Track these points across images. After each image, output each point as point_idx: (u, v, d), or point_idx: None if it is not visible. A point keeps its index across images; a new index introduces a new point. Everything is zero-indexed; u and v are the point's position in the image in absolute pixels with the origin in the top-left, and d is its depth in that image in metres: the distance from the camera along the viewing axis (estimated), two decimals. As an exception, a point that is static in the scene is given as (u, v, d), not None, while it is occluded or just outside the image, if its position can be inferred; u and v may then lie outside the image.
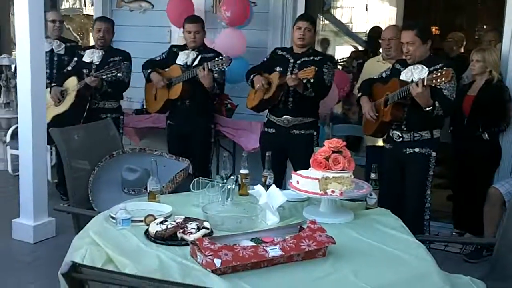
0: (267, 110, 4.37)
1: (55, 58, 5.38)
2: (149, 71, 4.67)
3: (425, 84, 3.42)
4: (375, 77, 4.07)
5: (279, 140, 4.24)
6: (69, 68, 5.06)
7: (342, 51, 7.55)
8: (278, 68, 4.17)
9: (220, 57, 4.28)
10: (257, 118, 5.20)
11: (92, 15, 8.68)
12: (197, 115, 4.60)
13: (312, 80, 3.87)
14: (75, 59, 5.05)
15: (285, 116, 4.20)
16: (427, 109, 3.52)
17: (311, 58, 4.14)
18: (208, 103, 4.73)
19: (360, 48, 7.38)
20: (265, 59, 4.41)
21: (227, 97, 5.05)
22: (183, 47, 4.68)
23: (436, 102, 3.52)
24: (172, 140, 4.78)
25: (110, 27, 4.98)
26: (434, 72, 3.42)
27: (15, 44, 7.00)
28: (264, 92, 4.19)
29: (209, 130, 4.73)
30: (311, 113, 4.26)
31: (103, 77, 4.70)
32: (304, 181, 2.49)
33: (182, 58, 4.60)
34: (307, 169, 2.63)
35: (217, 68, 4.29)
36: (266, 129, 4.37)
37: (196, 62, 4.54)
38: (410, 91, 3.50)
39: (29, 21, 4.03)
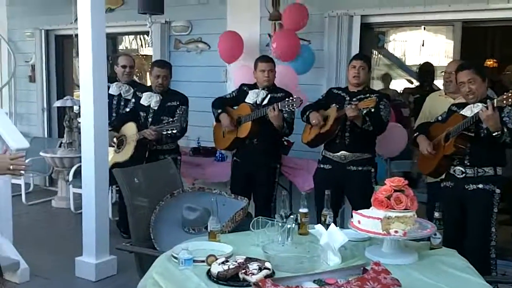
0: (322, 147, 4.35)
1: (122, 103, 5.48)
2: (219, 111, 4.72)
3: (495, 105, 3.35)
4: (431, 121, 4.03)
5: (335, 176, 4.20)
6: (127, 109, 5.16)
7: (396, 85, 7.49)
8: (334, 105, 4.18)
9: (291, 98, 4.28)
10: (313, 156, 5.20)
11: (149, 55, 8.98)
12: (264, 154, 4.60)
13: (372, 110, 3.86)
14: (133, 100, 5.11)
15: (342, 152, 4.17)
16: (496, 133, 3.41)
17: (367, 96, 4.11)
18: (275, 143, 4.74)
19: (416, 83, 7.32)
20: (321, 97, 4.42)
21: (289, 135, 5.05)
22: (254, 86, 4.72)
23: (504, 127, 3.43)
24: (236, 177, 4.80)
25: (168, 72, 4.98)
26: (504, 93, 3.34)
27: (77, 86, 7.32)
28: (320, 126, 4.18)
29: (274, 170, 4.71)
30: (368, 149, 4.22)
31: (163, 132, 4.71)
32: (366, 220, 2.46)
33: (252, 96, 4.65)
34: (365, 206, 2.60)
35: (287, 109, 4.30)
36: (321, 166, 4.35)
37: (265, 101, 4.57)
38: (479, 115, 3.41)
39: (92, 64, 4.20)
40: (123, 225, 5.49)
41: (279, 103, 4.32)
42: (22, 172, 2.72)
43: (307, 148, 4.54)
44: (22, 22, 7.52)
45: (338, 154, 4.19)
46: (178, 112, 4.89)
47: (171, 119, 4.78)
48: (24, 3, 7.44)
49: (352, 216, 2.62)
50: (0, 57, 7.73)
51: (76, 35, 6.23)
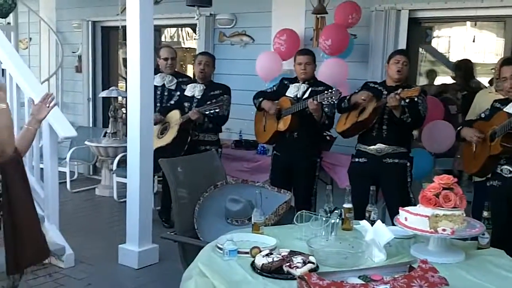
0: (355, 141, 4.31)
1: (166, 93, 5.58)
2: (260, 99, 4.76)
3: None
4: (474, 118, 3.95)
5: (371, 169, 4.16)
6: (172, 102, 5.30)
7: (441, 81, 7.35)
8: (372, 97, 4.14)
9: (330, 90, 4.27)
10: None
11: (191, 48, 9.07)
12: (304, 147, 4.59)
13: (416, 99, 3.82)
14: (178, 93, 5.27)
15: (378, 145, 4.13)
16: None
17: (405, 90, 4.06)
18: (315, 136, 4.73)
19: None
20: (356, 90, 4.37)
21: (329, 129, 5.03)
22: (294, 80, 4.73)
23: None
24: (276, 170, 4.81)
25: (211, 61, 5.14)
26: None
27: (122, 77, 7.45)
28: (357, 114, 4.14)
29: (314, 163, 4.70)
30: (404, 143, 4.18)
31: (206, 112, 4.84)
32: (413, 218, 2.42)
33: (293, 90, 4.65)
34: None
35: (326, 102, 4.28)
36: (356, 159, 4.31)
37: (306, 95, 4.57)
38: None
39: (140, 55, 4.25)
40: (165, 214, 5.59)
41: (318, 96, 4.31)
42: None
43: (348, 143, 4.51)
44: (70, 13, 7.68)
45: (374, 147, 4.15)
46: (222, 101, 4.96)
47: (214, 100, 4.87)
48: (72, -6, 7.61)
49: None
50: (48, 47, 7.91)
51: (122, 27, 6.38)
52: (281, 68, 5.41)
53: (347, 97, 4.30)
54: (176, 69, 5.88)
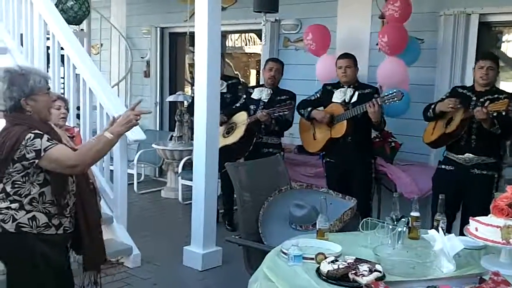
0: (444, 148, 4.22)
1: None
2: (309, 109, 4.76)
3: None
4: None
5: (457, 178, 4.04)
6: (238, 104, 5.39)
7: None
8: (460, 105, 4.02)
9: (392, 92, 4.23)
10: (421, 159, 5.05)
11: (255, 53, 9.16)
12: (357, 150, 4.58)
13: (503, 113, 3.69)
14: (244, 96, 5.37)
15: (467, 154, 4.01)
16: None
17: (495, 96, 3.93)
18: (368, 137, 4.70)
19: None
20: (444, 96, 4.26)
21: (390, 135, 4.96)
22: (337, 85, 4.72)
23: None
24: (332, 177, 4.78)
25: (280, 68, 5.27)
26: None
27: (188, 82, 7.61)
28: (445, 125, 4.05)
29: (369, 165, 4.68)
30: (494, 153, 4.03)
31: (275, 114, 4.92)
32: (484, 228, 2.35)
33: (339, 95, 4.63)
34: (484, 212, 2.49)
35: (387, 103, 4.24)
36: (442, 166, 4.20)
37: (354, 99, 4.54)
38: None
39: (207, 60, 4.34)
40: (228, 217, 5.66)
41: (379, 98, 4.25)
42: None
43: (417, 150, 4.42)
44: (140, 20, 7.93)
45: (462, 156, 4.03)
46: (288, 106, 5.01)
47: (283, 103, 4.94)
48: (142, 2, 7.85)
49: (459, 222, 2.50)
50: (118, 53, 8.20)
51: (189, 33, 6.53)
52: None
53: (433, 106, 4.18)
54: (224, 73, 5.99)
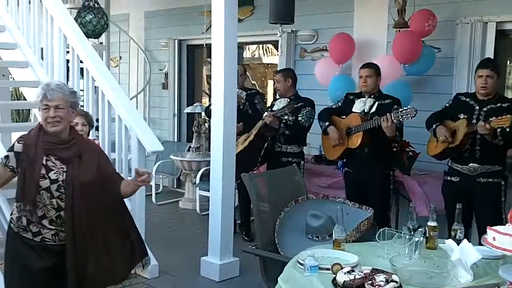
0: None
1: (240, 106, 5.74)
2: (326, 124, 4.76)
3: None
4: None
5: (464, 188, 4.03)
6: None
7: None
8: (462, 115, 4.02)
9: (406, 108, 4.21)
10: (435, 168, 5.02)
11: (271, 64, 9.19)
12: (375, 161, 4.55)
13: (508, 130, 3.66)
14: (270, 109, 5.41)
15: (471, 164, 3.99)
16: None
17: (498, 105, 3.93)
18: (386, 149, 4.67)
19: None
20: (447, 104, 4.26)
21: (408, 145, 4.93)
22: (359, 95, 4.72)
23: None
24: (350, 187, 4.77)
25: (283, 78, 5.29)
26: None
27: (205, 93, 7.66)
28: (449, 138, 4.04)
29: (387, 176, 4.65)
30: (499, 162, 4.01)
31: (277, 115, 4.99)
32: (502, 238, 2.33)
33: (359, 105, 4.63)
34: (494, 219, 2.47)
35: (400, 119, 4.23)
36: (448, 178, 4.19)
37: (373, 109, 4.54)
38: None
39: (224, 72, 4.38)
40: (245, 228, 5.67)
41: (392, 114, 4.24)
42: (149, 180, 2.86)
43: (433, 160, 4.39)
44: (158, 32, 8.02)
45: (467, 166, 4.01)
46: (302, 111, 5.08)
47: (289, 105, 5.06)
48: (160, 15, 7.94)
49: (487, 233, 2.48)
50: (137, 65, 8.30)
51: (207, 45, 6.58)
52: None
53: (434, 126, 4.17)
54: (245, 86, 6.09)
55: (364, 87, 4.60)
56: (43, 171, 2.65)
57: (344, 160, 5.03)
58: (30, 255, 2.70)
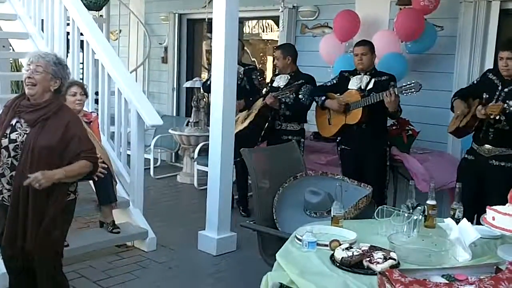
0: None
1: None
2: (323, 98, 4.74)
3: None
4: None
5: (476, 169, 4.00)
6: (263, 92, 5.48)
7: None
8: (485, 95, 3.93)
9: (411, 83, 4.19)
10: (439, 147, 5.01)
11: (271, 40, 9.12)
12: (372, 138, 4.56)
13: (497, 117, 3.67)
14: (269, 85, 5.40)
15: (486, 146, 3.96)
16: None
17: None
18: (383, 125, 4.68)
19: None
20: (475, 81, 4.20)
21: (408, 123, 4.92)
22: (354, 72, 4.69)
23: None
24: (347, 164, 4.76)
25: (279, 55, 5.24)
26: None
27: (205, 68, 7.61)
28: (460, 119, 4.02)
29: (384, 152, 4.65)
30: None
31: (278, 97, 4.98)
32: (501, 217, 2.34)
33: (355, 82, 4.61)
34: (500, 203, 2.47)
35: (404, 94, 4.22)
36: (466, 156, 4.16)
37: (370, 86, 4.52)
38: None
39: (224, 46, 4.33)
40: (242, 203, 5.68)
41: (396, 88, 4.22)
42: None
43: (435, 139, 4.39)
44: (158, 6, 7.93)
45: (482, 147, 3.99)
46: (303, 89, 5.06)
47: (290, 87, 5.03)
48: (161, -12, 7.86)
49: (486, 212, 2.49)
50: (136, 39, 8.22)
51: (207, 19, 6.52)
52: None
53: (452, 100, 4.13)
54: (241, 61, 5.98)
55: (360, 64, 4.57)
56: (8, 131, 2.77)
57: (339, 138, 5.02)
58: None
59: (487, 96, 3.90)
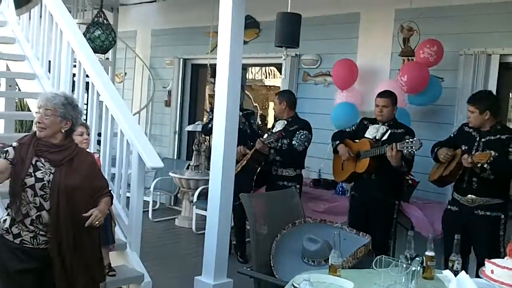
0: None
1: None
2: (337, 142, 4.78)
3: None
4: None
5: (462, 219, 4.02)
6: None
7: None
8: (463, 147, 4.05)
9: (411, 139, 4.21)
10: (439, 198, 5.01)
11: (273, 86, 9.25)
12: (381, 189, 4.54)
13: (485, 166, 3.72)
14: (270, 130, 5.44)
15: (469, 196, 3.99)
16: None
17: (497, 136, 3.95)
18: (394, 178, 4.64)
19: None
20: (452, 134, 4.29)
21: (408, 173, 4.93)
22: (374, 121, 4.72)
23: None
24: (353, 210, 4.78)
25: (277, 101, 5.31)
26: None
27: (207, 112, 7.69)
28: (443, 168, 4.05)
29: (392, 205, 4.63)
30: (499, 194, 3.98)
31: (266, 142, 5.01)
32: (500, 271, 2.32)
33: (372, 131, 4.64)
34: (489, 254, 2.46)
35: (405, 150, 4.24)
36: (449, 207, 4.19)
37: (385, 137, 4.54)
38: None
39: (227, 92, 4.39)
40: (240, 249, 5.63)
41: (398, 144, 4.25)
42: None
43: (434, 189, 4.39)
44: (163, 51, 8.08)
45: (465, 197, 4.01)
46: (296, 135, 5.06)
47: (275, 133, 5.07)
48: (167, 33, 8.02)
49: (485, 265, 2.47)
50: (141, 82, 8.33)
51: (211, 65, 6.63)
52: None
53: (435, 150, 4.21)
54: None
55: (379, 116, 4.60)
56: (31, 170, 2.74)
57: (343, 185, 5.03)
58: (10, 258, 2.75)
59: (466, 147, 3.97)
